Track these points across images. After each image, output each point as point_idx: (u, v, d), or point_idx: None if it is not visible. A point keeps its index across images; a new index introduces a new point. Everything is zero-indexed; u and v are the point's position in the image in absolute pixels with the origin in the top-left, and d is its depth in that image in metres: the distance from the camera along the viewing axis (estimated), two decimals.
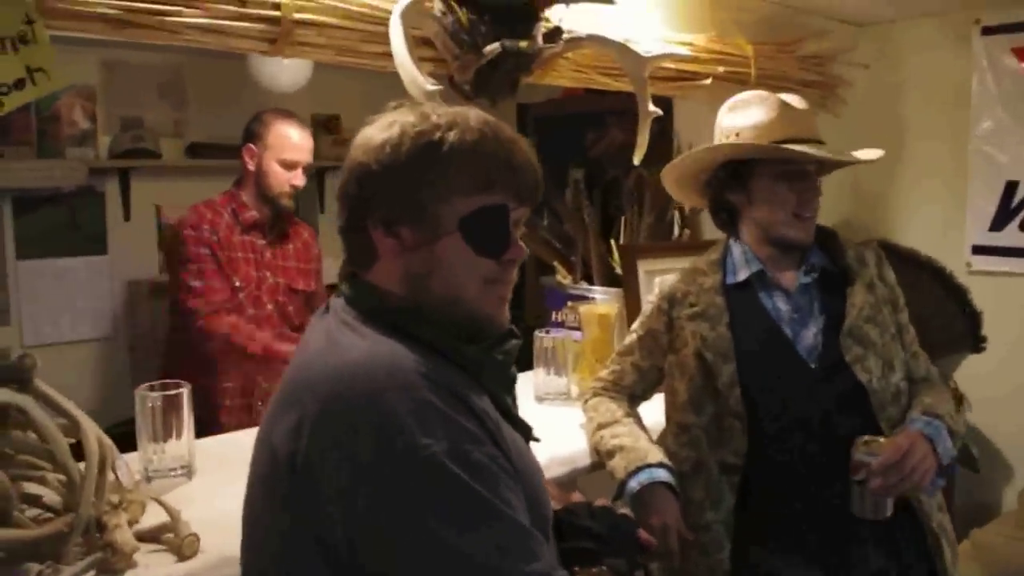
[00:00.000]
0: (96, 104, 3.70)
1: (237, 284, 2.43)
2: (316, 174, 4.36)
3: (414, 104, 1.10)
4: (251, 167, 2.48)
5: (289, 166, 2.46)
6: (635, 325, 1.81)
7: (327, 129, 4.42)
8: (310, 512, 0.92)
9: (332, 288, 2.90)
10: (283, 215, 2.54)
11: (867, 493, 1.46)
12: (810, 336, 1.62)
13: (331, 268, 4.61)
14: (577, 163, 4.21)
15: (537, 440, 1.14)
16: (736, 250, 1.71)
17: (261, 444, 1.03)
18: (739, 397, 1.59)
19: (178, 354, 2.45)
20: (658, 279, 1.80)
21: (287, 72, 3.40)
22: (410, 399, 0.92)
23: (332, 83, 3.76)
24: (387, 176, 1.02)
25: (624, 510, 1.29)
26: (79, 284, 3.69)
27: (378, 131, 1.04)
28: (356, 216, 1.05)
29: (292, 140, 2.46)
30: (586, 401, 1.84)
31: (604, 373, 1.84)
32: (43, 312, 3.60)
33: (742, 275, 1.68)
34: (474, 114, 1.05)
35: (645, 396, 1.83)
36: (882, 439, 1.49)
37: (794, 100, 1.66)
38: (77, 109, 3.62)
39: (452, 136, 1.01)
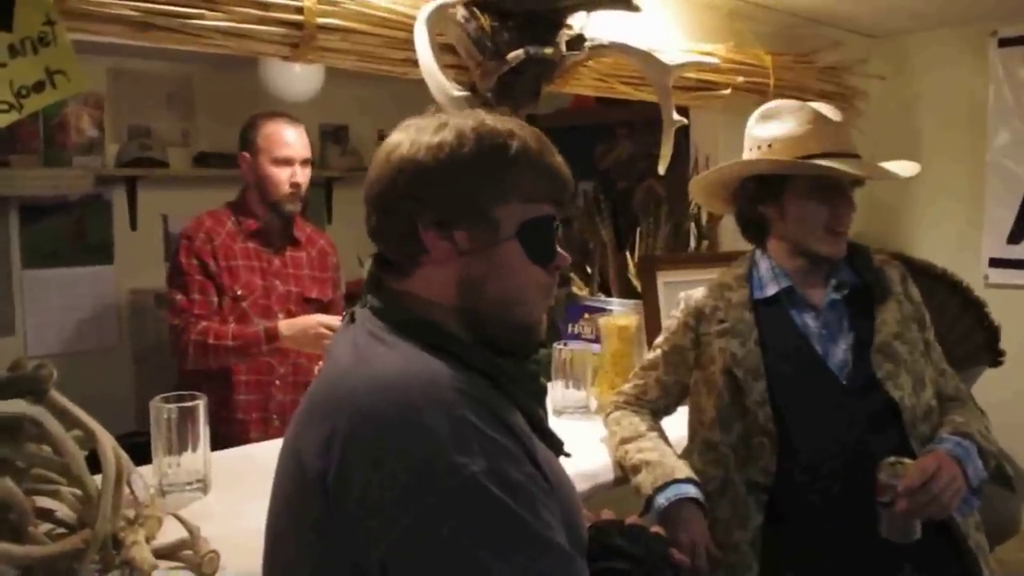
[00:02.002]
0: (103, 112, 3.69)
1: (239, 293, 2.34)
2: (324, 184, 4.34)
3: (456, 111, 1.08)
4: (249, 176, 2.40)
5: (283, 163, 2.35)
6: (659, 340, 1.78)
7: (335, 139, 4.41)
8: (342, 534, 0.89)
9: (349, 298, 2.86)
10: (290, 220, 2.45)
11: (894, 515, 1.42)
12: (840, 353, 1.59)
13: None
14: (586, 175, 4.20)
15: (568, 455, 1.11)
16: (763, 264, 1.68)
17: (287, 459, 1.00)
18: (769, 415, 1.55)
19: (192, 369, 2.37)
20: (683, 294, 1.74)
21: (297, 81, 3.39)
22: (447, 417, 0.88)
23: (340, 93, 3.75)
24: (446, 175, 0.98)
25: (656, 528, 1.25)
26: (85, 294, 3.66)
27: (428, 134, 1.00)
28: (401, 217, 1.01)
29: (282, 137, 2.36)
30: (608, 415, 1.80)
31: (626, 387, 1.81)
32: (48, 322, 3.57)
33: (770, 291, 1.65)
34: (517, 122, 1.04)
35: (668, 411, 1.80)
36: (907, 460, 1.44)
37: (828, 111, 1.62)
38: (84, 117, 3.60)
39: (516, 142, 1.00)
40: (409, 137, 1.01)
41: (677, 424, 1.80)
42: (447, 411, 0.89)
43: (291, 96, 3.42)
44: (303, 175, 2.39)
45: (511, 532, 0.86)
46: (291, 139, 2.37)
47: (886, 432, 1.53)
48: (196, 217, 2.42)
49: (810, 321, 1.62)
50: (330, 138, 4.39)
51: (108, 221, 3.74)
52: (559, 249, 1.06)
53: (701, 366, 1.67)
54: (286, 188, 2.36)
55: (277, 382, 2.39)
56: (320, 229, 2.68)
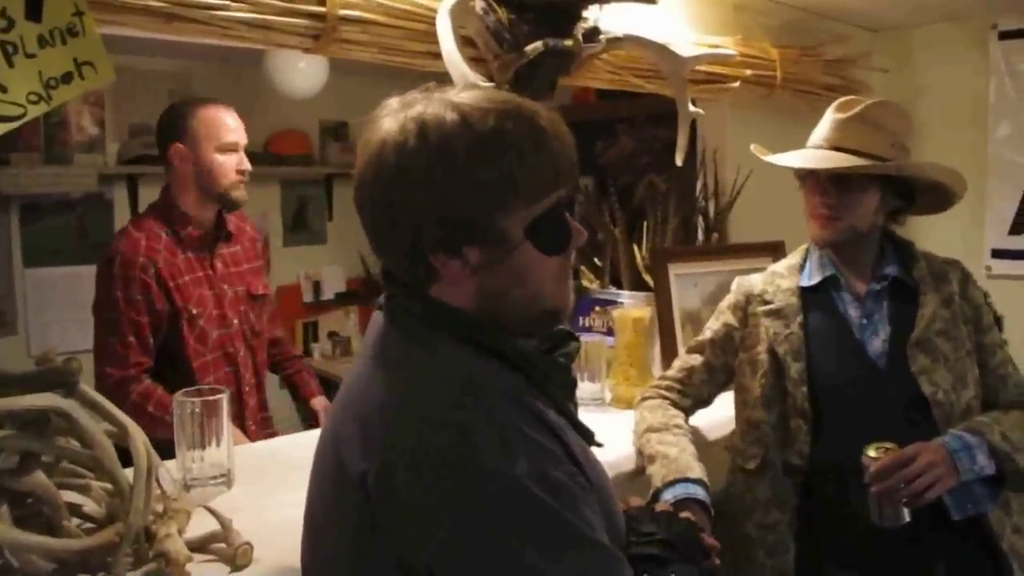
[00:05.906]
0: (104, 110, 3.67)
1: (194, 312, 2.12)
2: (325, 181, 4.34)
3: (433, 92, 0.96)
4: (185, 168, 2.13)
5: (230, 150, 2.14)
6: (709, 323, 1.81)
7: (335, 136, 4.40)
8: (386, 536, 0.88)
9: (350, 295, 2.75)
10: (230, 209, 2.21)
11: (871, 498, 1.44)
12: (878, 343, 1.61)
13: (337, 275, 4.55)
14: (586, 171, 4.20)
15: (600, 445, 1.10)
16: (814, 254, 1.73)
17: (327, 453, 0.99)
18: (806, 395, 1.58)
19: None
20: (738, 278, 1.82)
21: (299, 77, 3.38)
22: (489, 419, 0.88)
23: (340, 89, 3.74)
24: (441, 193, 0.91)
25: (686, 514, 1.26)
26: (87, 293, 3.62)
27: (413, 138, 0.91)
28: (401, 240, 0.94)
29: (225, 122, 2.14)
30: (644, 399, 1.79)
31: (670, 372, 1.81)
32: (50, 321, 3.55)
33: (815, 278, 1.69)
34: (508, 109, 0.94)
35: (708, 400, 1.79)
36: (889, 444, 1.45)
37: (845, 107, 1.65)
38: (85, 115, 3.59)
39: (510, 149, 0.91)
40: (392, 143, 0.92)
41: (720, 406, 1.81)
42: (487, 412, 0.88)
43: (294, 92, 3.41)
44: (247, 162, 2.19)
45: (557, 532, 0.86)
46: (234, 124, 2.17)
47: (918, 426, 1.53)
48: (124, 233, 2.14)
49: (852, 310, 1.65)
50: (330, 134, 4.39)
51: (110, 219, 3.72)
52: (574, 225, 1.00)
53: (746, 347, 1.71)
54: (233, 176, 2.15)
55: (247, 388, 2.26)
56: (242, 213, 2.36)
